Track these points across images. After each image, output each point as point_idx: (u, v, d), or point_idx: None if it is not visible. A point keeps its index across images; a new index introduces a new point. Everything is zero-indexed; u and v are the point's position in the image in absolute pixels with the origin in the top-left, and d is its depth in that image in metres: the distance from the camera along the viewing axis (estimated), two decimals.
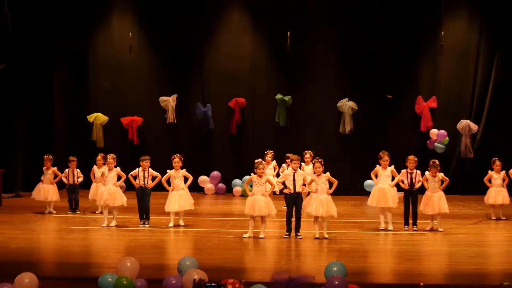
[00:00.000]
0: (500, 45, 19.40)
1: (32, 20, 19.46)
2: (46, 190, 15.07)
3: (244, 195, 18.31)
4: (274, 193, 14.72)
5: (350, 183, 19.02)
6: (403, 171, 12.98)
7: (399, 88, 19.77)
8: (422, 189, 13.04)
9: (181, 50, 20.28)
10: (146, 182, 13.21)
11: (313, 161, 12.29)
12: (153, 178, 13.30)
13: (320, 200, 11.86)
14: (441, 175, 12.81)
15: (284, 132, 19.96)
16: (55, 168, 15.25)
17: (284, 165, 15.96)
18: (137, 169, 13.30)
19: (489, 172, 14.73)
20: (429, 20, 19.47)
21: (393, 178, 12.94)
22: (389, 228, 12.77)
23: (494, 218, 14.52)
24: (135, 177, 13.27)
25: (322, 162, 12.10)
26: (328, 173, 12.05)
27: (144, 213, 13.29)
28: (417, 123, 19.61)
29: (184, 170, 13.33)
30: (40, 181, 15.23)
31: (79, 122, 20.40)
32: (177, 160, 13.24)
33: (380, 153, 13.03)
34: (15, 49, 18.80)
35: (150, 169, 13.28)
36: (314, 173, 12.31)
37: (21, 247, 11.16)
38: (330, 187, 12.07)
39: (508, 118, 19.19)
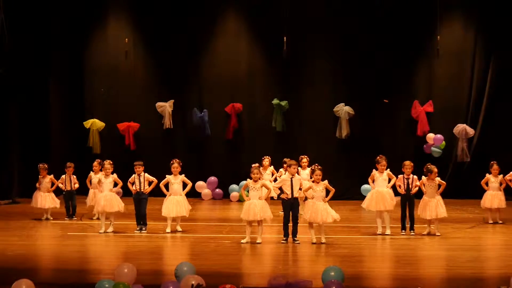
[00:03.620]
0: (496, 49, 19.45)
1: (29, 27, 19.46)
2: (44, 198, 15.05)
3: (241, 200, 18.30)
4: (271, 198, 14.72)
5: (347, 188, 19.02)
6: (400, 176, 12.97)
7: (396, 93, 19.80)
8: (420, 194, 13.03)
9: (177, 55, 20.31)
10: (142, 187, 13.21)
11: (313, 167, 12.23)
12: (150, 183, 13.30)
13: (316, 207, 11.85)
14: (438, 179, 12.80)
15: (280, 137, 19.97)
16: (51, 176, 15.24)
17: (281, 169, 15.96)
18: (134, 175, 13.30)
19: (487, 175, 14.74)
20: (425, 25, 19.52)
21: (389, 181, 12.95)
22: (386, 233, 12.76)
23: (491, 222, 14.52)
24: (132, 183, 13.27)
25: (321, 169, 12.08)
26: (326, 181, 12.01)
27: (141, 219, 13.28)
28: (413, 128, 19.64)
29: (183, 175, 13.29)
30: (37, 188, 15.22)
31: (76, 128, 20.39)
32: (176, 165, 13.20)
33: (378, 157, 13.02)
34: (11, 55, 18.80)
35: (146, 174, 13.28)
36: (312, 180, 12.30)
37: (18, 253, 11.13)
38: (327, 194, 12.04)
39: (505, 122, 19.23)
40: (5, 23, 18.40)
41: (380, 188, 12.88)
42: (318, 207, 11.83)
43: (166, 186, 13.26)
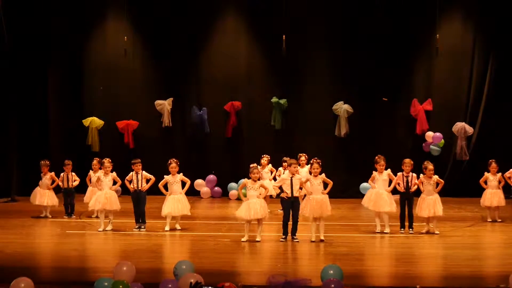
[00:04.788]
0: (494, 47, 19.42)
1: (28, 24, 19.43)
2: (43, 195, 15.07)
3: (239, 198, 18.28)
4: (270, 196, 14.70)
5: (346, 186, 19.02)
6: (399, 174, 12.96)
7: (395, 91, 19.78)
8: (419, 192, 13.03)
9: (176, 53, 20.28)
10: (140, 185, 13.21)
11: (312, 161, 12.26)
12: (147, 181, 13.30)
13: (316, 201, 11.86)
14: (436, 177, 12.80)
15: (279, 135, 19.96)
16: (52, 173, 15.24)
17: (281, 168, 15.95)
18: (131, 173, 13.31)
19: (485, 173, 14.76)
20: (424, 23, 19.50)
21: (390, 182, 12.93)
22: (385, 231, 12.76)
23: (490, 220, 14.54)
24: (130, 181, 13.28)
25: (320, 163, 12.11)
26: (323, 174, 12.06)
27: (140, 217, 13.28)
28: (412, 126, 19.63)
29: (181, 174, 13.28)
30: (38, 186, 15.23)
31: (75, 126, 20.37)
32: (173, 165, 13.19)
33: (376, 157, 13.00)
34: (10, 52, 18.78)
35: (143, 172, 13.29)
36: (311, 173, 12.32)
37: (16, 251, 11.14)
38: (325, 188, 12.07)
39: (503, 120, 19.20)
40: (5, 22, 18.38)
41: (380, 190, 12.86)
42: (318, 200, 11.85)
43: (165, 186, 13.25)
